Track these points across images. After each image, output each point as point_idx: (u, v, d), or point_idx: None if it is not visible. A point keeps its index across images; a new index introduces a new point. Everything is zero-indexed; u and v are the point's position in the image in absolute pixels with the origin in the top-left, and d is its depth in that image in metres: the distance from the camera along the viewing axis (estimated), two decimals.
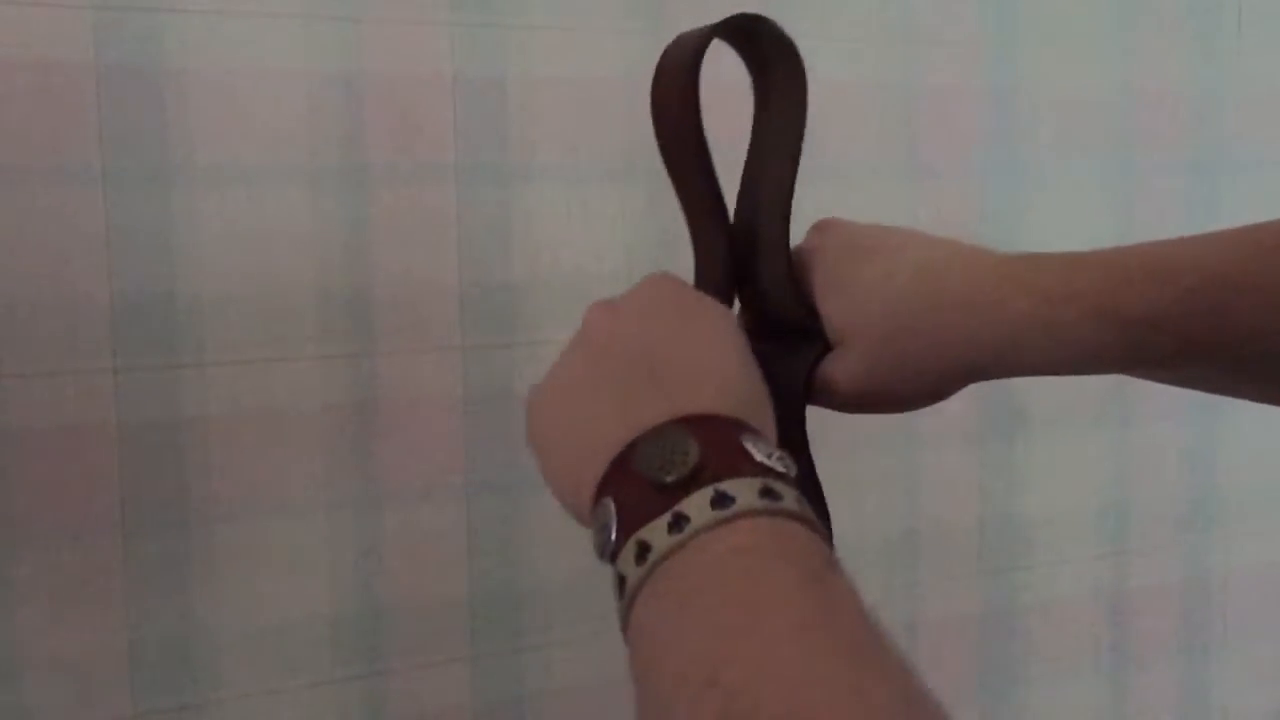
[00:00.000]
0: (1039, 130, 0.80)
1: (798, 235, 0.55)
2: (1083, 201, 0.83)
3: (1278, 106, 0.88)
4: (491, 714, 0.68)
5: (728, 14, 0.63)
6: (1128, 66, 0.83)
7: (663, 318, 0.44)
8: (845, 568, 0.36)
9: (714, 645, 0.32)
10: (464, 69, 0.65)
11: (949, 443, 0.80)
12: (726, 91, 0.71)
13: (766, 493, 0.35)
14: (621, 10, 0.68)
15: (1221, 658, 0.91)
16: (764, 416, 0.42)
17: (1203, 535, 0.89)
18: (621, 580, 0.37)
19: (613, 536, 0.37)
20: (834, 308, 0.50)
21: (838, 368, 0.50)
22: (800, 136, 0.56)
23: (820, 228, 0.55)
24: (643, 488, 0.37)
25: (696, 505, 0.35)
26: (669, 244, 0.70)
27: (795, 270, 0.53)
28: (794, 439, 0.52)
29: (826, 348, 0.51)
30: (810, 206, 0.73)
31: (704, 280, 0.51)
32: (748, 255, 0.55)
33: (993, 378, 0.51)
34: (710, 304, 0.46)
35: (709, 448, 0.37)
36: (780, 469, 0.37)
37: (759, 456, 0.37)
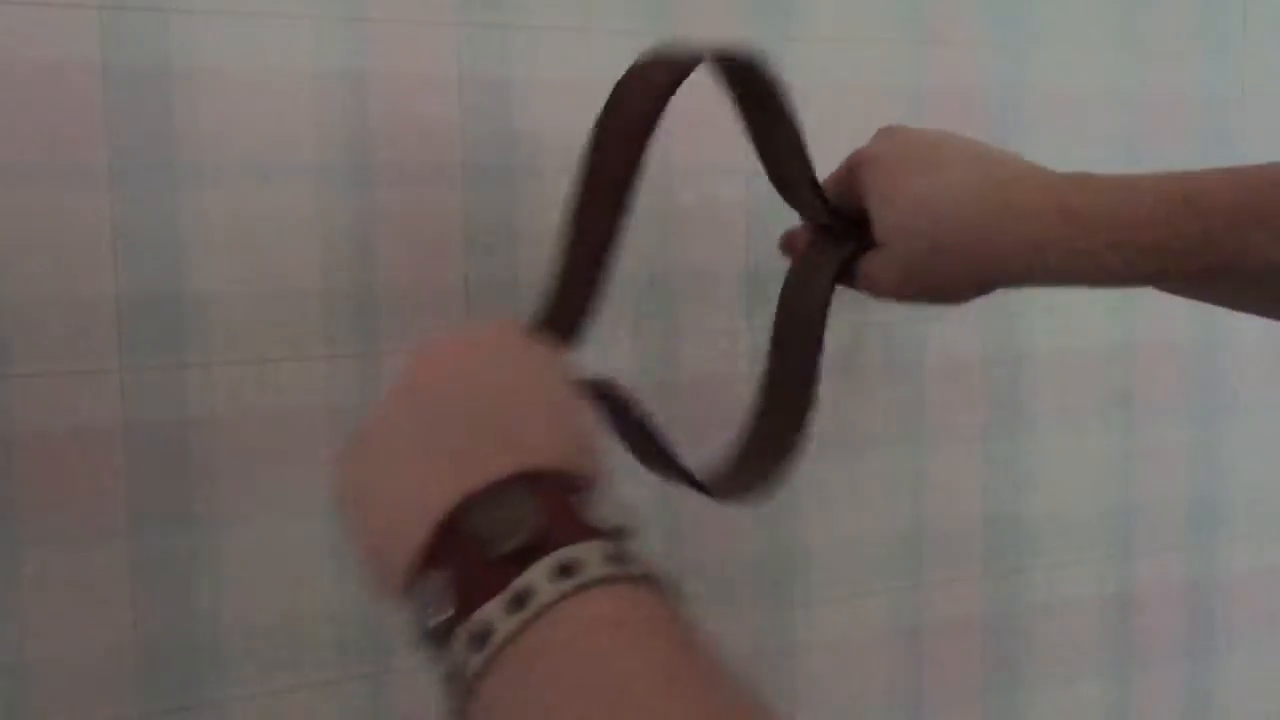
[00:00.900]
0: (1045, 129, 0.80)
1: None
2: None
3: None
4: None
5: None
6: (1133, 66, 0.83)
7: (495, 362, 0.39)
8: (701, 626, 0.32)
9: None
10: (470, 69, 0.65)
11: (953, 443, 0.80)
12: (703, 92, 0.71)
13: (613, 557, 0.32)
14: (628, 11, 0.68)
15: (1226, 660, 0.91)
16: (599, 465, 0.38)
17: (1208, 537, 0.89)
18: (455, 668, 0.32)
19: (442, 617, 0.32)
20: (883, 214, 0.55)
21: (882, 266, 0.56)
22: (799, 136, 0.57)
23: (883, 133, 0.60)
24: (477, 557, 0.32)
25: (540, 577, 0.31)
26: (674, 242, 0.70)
27: (847, 172, 0.58)
28: (805, 360, 0.56)
29: (856, 251, 0.57)
30: None
31: (548, 317, 0.48)
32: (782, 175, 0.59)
33: (1021, 286, 0.55)
34: (539, 349, 0.42)
35: (550, 510, 0.33)
36: (620, 525, 0.34)
37: (598, 516, 0.34)
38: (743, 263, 0.72)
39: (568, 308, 0.48)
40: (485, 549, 0.32)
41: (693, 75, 0.71)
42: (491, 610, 0.31)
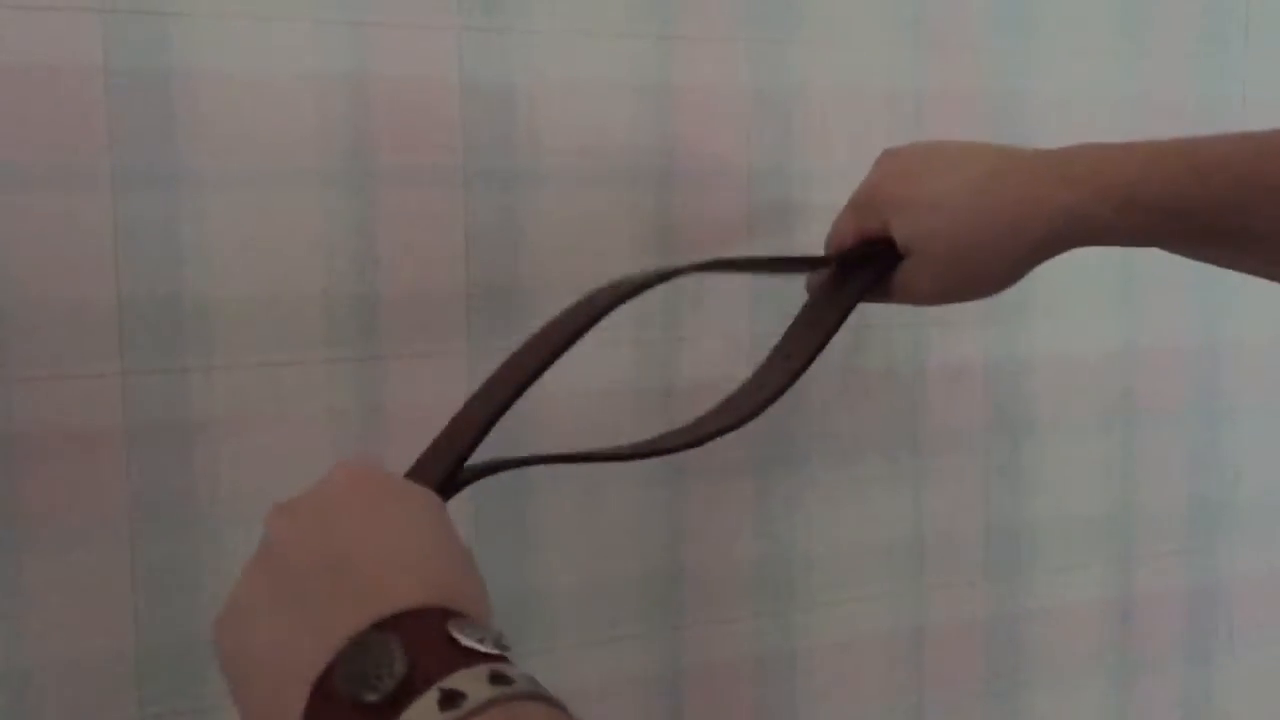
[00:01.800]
0: (1046, 134, 0.80)
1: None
2: None
3: None
4: None
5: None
6: (1135, 72, 0.83)
7: (347, 511, 0.39)
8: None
9: None
10: (471, 73, 0.65)
11: (954, 448, 0.80)
12: (707, 96, 0.71)
13: (496, 679, 0.31)
14: (629, 15, 0.68)
15: (1227, 665, 0.91)
16: (473, 592, 0.37)
17: (1209, 542, 0.89)
18: None
19: None
20: (900, 224, 0.58)
21: (912, 273, 0.59)
22: None
23: (883, 156, 0.63)
24: (351, 713, 0.31)
25: (424, 713, 0.30)
26: (674, 244, 0.70)
27: (856, 207, 0.62)
28: (803, 355, 0.62)
29: (884, 269, 0.61)
30: (818, 212, 0.73)
31: (432, 457, 0.49)
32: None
33: (1044, 260, 0.58)
34: (400, 485, 0.42)
35: (418, 648, 0.32)
36: (497, 650, 0.33)
37: (469, 642, 0.33)
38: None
39: (446, 453, 0.48)
40: (358, 702, 0.31)
41: (693, 81, 0.71)
42: None
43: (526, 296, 0.66)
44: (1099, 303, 0.84)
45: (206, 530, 0.61)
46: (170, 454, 0.60)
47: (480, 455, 0.48)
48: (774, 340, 0.65)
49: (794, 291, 0.67)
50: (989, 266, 0.57)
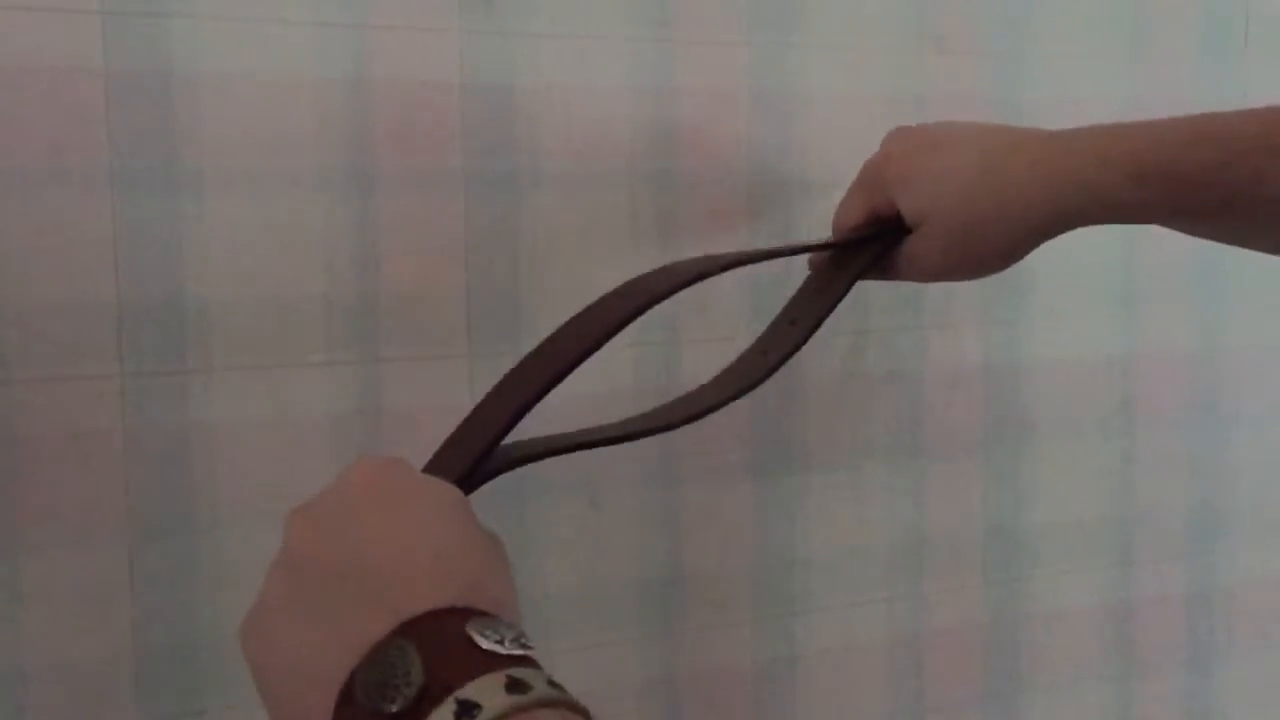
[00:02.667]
0: None
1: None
2: None
3: None
4: None
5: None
6: (1135, 77, 0.83)
7: (363, 511, 0.38)
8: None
9: None
10: (472, 75, 0.65)
11: (954, 452, 0.80)
12: (711, 97, 0.71)
13: (514, 686, 0.31)
14: (630, 18, 0.68)
15: (1226, 670, 0.91)
16: (496, 586, 0.37)
17: (1208, 547, 0.89)
18: None
19: None
20: (910, 197, 0.58)
21: (921, 245, 0.59)
22: None
23: (891, 134, 0.63)
24: None
25: None
26: (674, 247, 0.70)
27: (862, 184, 0.62)
28: (798, 333, 0.61)
29: (889, 244, 0.60)
30: (818, 214, 0.73)
31: (451, 448, 0.48)
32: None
33: (1053, 236, 0.57)
34: (418, 480, 0.41)
35: (435, 655, 0.32)
36: (519, 651, 0.33)
37: (489, 644, 0.32)
38: (743, 272, 0.72)
39: (471, 438, 0.47)
40: (378, 712, 0.31)
41: (693, 84, 0.71)
42: None
43: (527, 299, 0.66)
44: (1099, 307, 0.84)
45: (205, 533, 0.61)
46: (169, 456, 0.60)
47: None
48: None
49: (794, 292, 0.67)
50: (998, 239, 0.56)
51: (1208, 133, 0.50)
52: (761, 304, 0.72)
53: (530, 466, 0.51)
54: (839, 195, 0.66)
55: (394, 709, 0.31)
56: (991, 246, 0.57)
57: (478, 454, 0.46)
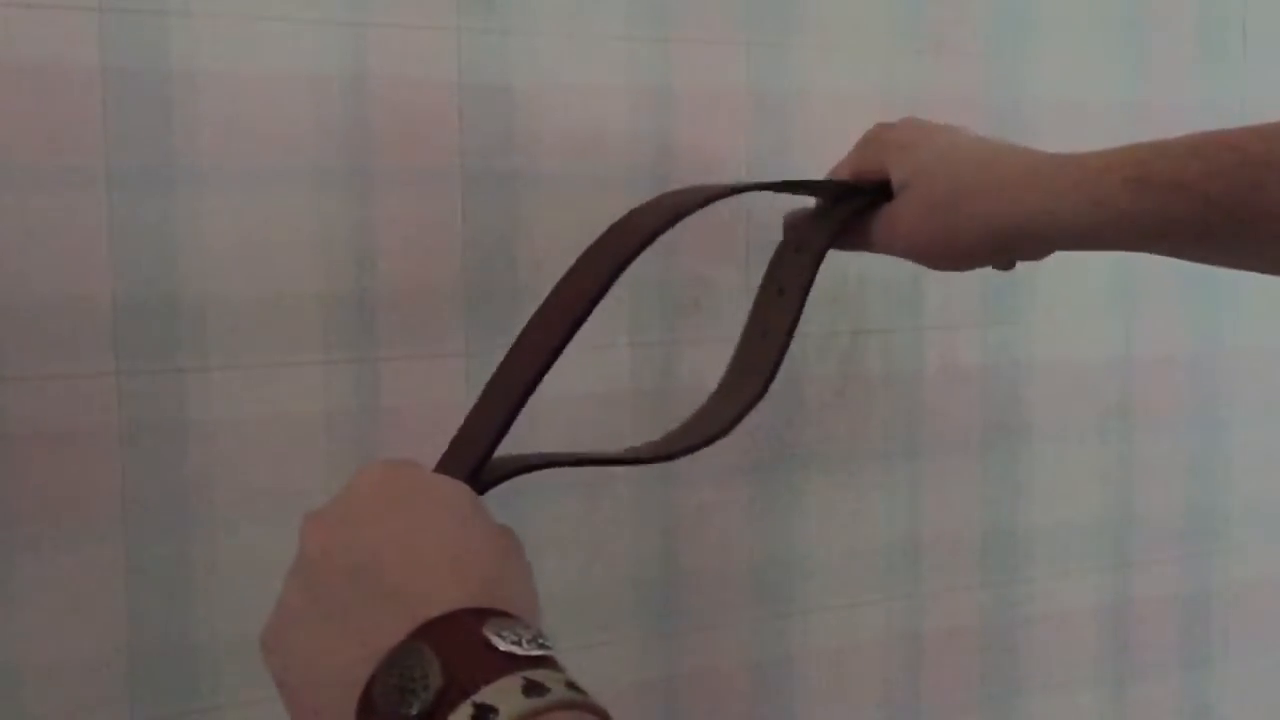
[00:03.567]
0: (1045, 140, 0.80)
1: None
2: None
3: None
4: None
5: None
6: (1134, 78, 0.83)
7: (375, 515, 0.38)
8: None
9: None
10: (469, 73, 0.65)
11: (952, 453, 0.80)
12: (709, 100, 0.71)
13: (531, 689, 0.31)
14: (627, 16, 0.68)
15: (1223, 671, 0.91)
16: (513, 584, 0.37)
17: (1205, 548, 0.89)
18: None
19: None
20: (904, 160, 0.58)
21: (895, 215, 0.57)
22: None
23: (906, 118, 0.63)
24: None
25: None
26: (673, 246, 0.70)
27: (860, 150, 0.61)
28: (786, 316, 0.59)
29: (870, 204, 0.59)
30: None
31: (459, 441, 0.47)
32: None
33: (1026, 251, 0.56)
34: (429, 481, 0.41)
35: (453, 658, 0.31)
36: (537, 651, 0.32)
37: (507, 645, 0.32)
38: (740, 271, 0.72)
39: (479, 434, 0.46)
40: (398, 716, 0.31)
41: (691, 83, 0.71)
42: None
43: (524, 297, 0.66)
44: (1097, 308, 0.84)
45: (201, 531, 0.61)
46: (165, 454, 0.60)
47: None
48: None
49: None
50: (975, 225, 0.54)
51: (1208, 145, 0.50)
52: None
53: None
54: None
55: (412, 713, 0.31)
56: (966, 231, 0.55)
57: (487, 445, 0.45)
